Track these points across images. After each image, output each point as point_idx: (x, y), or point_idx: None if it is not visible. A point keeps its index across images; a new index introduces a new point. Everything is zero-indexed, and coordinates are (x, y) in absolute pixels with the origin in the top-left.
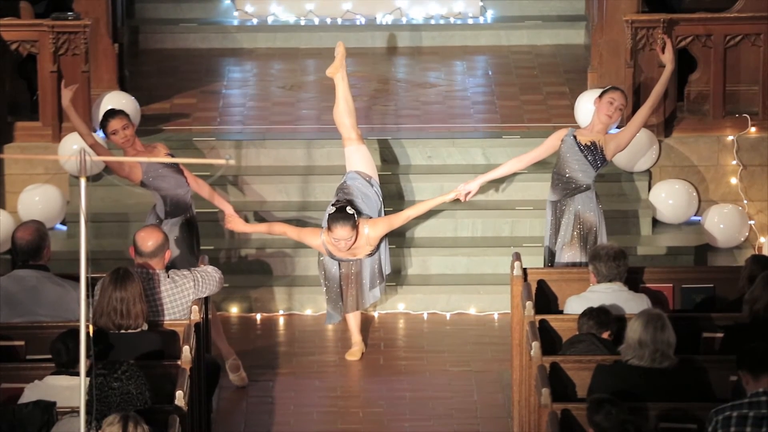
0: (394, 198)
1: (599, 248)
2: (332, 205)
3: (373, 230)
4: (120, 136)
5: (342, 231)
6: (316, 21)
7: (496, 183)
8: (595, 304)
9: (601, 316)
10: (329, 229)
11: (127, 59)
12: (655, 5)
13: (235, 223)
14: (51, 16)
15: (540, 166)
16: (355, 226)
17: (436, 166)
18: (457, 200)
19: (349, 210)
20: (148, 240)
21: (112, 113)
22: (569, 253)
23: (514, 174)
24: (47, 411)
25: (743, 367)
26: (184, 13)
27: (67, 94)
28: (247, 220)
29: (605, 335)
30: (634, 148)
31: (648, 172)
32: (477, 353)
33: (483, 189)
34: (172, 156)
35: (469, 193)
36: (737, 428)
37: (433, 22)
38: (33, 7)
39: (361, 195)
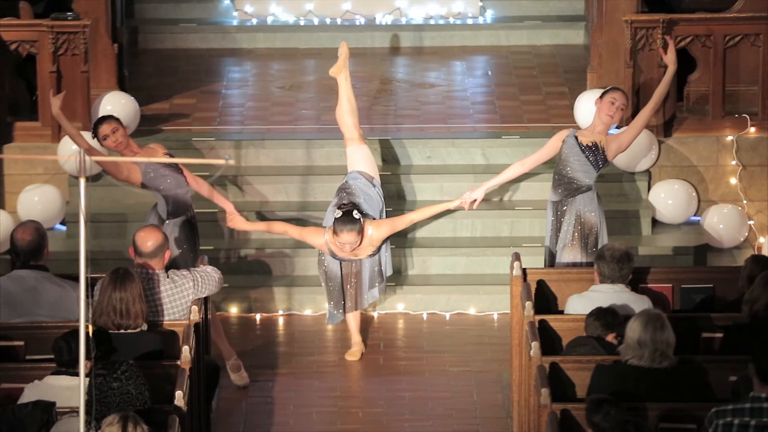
0: (393, 198)
1: (605, 248)
2: (338, 207)
3: (376, 231)
4: (111, 140)
5: (348, 236)
6: (316, 21)
7: None
8: (596, 304)
9: (608, 317)
10: (335, 233)
11: (127, 59)
12: (654, 5)
13: (236, 221)
14: (50, 16)
15: (539, 166)
16: (361, 231)
17: (436, 166)
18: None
19: (356, 214)
20: (148, 240)
21: (100, 120)
22: (570, 254)
23: None
24: (47, 411)
25: (755, 365)
26: (184, 13)
27: (56, 103)
28: (247, 220)
29: (611, 337)
30: (634, 148)
31: (648, 173)
32: (477, 353)
33: None
34: (171, 156)
35: (474, 201)
36: None
37: (432, 22)
38: (32, 7)
39: (364, 195)
